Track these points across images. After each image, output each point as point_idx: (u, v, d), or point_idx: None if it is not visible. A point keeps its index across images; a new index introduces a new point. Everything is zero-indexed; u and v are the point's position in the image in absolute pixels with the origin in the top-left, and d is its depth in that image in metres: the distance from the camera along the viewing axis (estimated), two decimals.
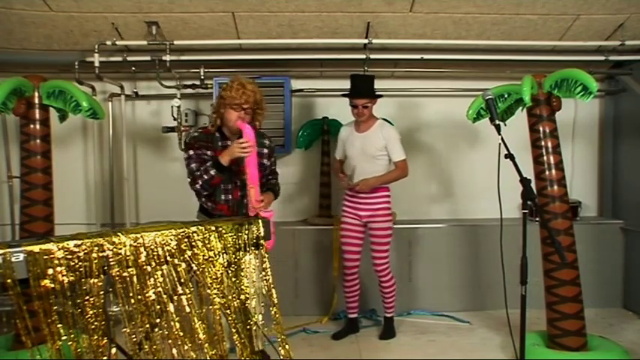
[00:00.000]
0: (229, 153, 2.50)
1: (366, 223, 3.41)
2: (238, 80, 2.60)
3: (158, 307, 2.11)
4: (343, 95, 3.37)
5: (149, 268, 2.08)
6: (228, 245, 2.39)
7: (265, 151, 2.77)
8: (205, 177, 2.54)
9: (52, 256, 1.84)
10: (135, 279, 2.03)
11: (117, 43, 3.66)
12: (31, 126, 2.97)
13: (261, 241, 2.59)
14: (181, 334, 2.15)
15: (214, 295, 2.30)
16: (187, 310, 2.19)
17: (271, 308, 2.52)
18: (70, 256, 1.87)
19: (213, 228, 2.32)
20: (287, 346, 2.56)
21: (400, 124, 3.63)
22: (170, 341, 2.14)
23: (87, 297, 1.92)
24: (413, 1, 3.41)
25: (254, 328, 2.49)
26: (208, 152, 2.60)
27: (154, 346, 2.11)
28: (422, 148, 4.31)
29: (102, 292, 1.96)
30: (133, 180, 4.29)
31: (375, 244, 3.41)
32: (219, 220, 2.53)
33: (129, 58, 3.82)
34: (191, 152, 2.61)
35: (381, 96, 3.38)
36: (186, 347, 2.15)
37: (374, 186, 3.31)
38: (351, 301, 3.53)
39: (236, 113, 2.57)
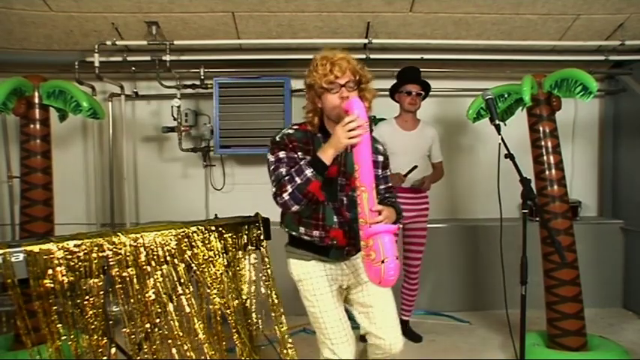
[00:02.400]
0: (333, 143, 1.75)
1: (404, 225, 3.38)
2: (322, 54, 1.91)
3: (158, 307, 2.11)
4: (391, 91, 3.31)
5: (149, 268, 2.08)
6: (228, 245, 2.39)
7: (380, 158, 2.03)
8: (297, 180, 1.77)
9: (52, 256, 1.84)
10: (135, 279, 2.04)
11: (117, 43, 3.66)
12: (31, 126, 2.97)
13: (262, 241, 2.59)
14: (181, 334, 2.15)
15: (214, 295, 2.31)
16: (187, 310, 2.19)
17: (271, 308, 2.52)
18: (70, 256, 1.88)
19: (213, 228, 2.32)
20: (287, 346, 2.56)
21: None
22: (170, 341, 2.14)
23: (87, 297, 1.92)
24: (413, 1, 3.41)
25: (253, 327, 2.49)
26: (307, 157, 1.86)
27: (154, 346, 2.11)
28: None
29: (102, 292, 1.96)
30: (133, 180, 4.28)
31: (415, 244, 3.39)
32: (219, 220, 2.53)
33: (129, 58, 3.83)
34: (281, 154, 1.88)
35: (429, 88, 3.34)
36: (186, 347, 2.16)
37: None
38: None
39: (335, 96, 1.84)
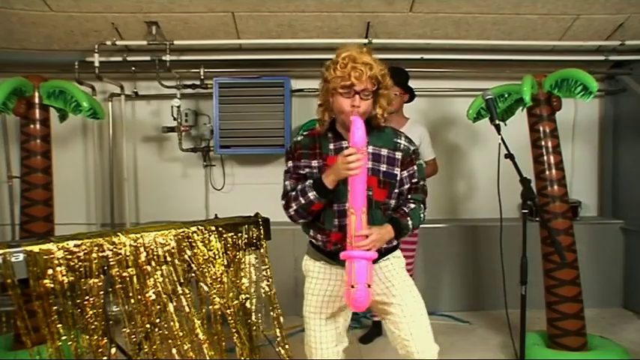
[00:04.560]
0: (334, 171, 1.74)
1: None
2: (347, 52, 1.79)
3: (158, 307, 2.11)
4: None
5: (149, 268, 2.08)
6: (228, 245, 2.39)
7: (398, 155, 1.88)
8: (302, 200, 1.81)
9: (52, 256, 1.84)
10: (135, 279, 2.04)
11: (117, 43, 3.66)
12: (32, 126, 2.97)
13: (262, 241, 2.59)
14: (181, 334, 2.15)
15: (214, 295, 2.30)
16: (187, 310, 2.19)
17: (271, 308, 2.52)
18: (70, 256, 1.88)
19: (213, 228, 2.32)
20: (287, 346, 2.56)
21: None
22: (170, 341, 2.14)
23: (87, 297, 1.92)
24: (413, 1, 3.41)
25: (253, 327, 2.49)
26: (314, 162, 1.87)
27: (154, 346, 2.11)
28: None
29: (102, 292, 1.96)
30: (133, 180, 4.28)
31: (404, 250, 3.38)
32: (220, 220, 2.53)
33: (129, 58, 3.83)
34: (289, 164, 1.92)
35: (412, 92, 3.31)
36: (186, 347, 2.15)
37: None
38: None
39: (347, 101, 1.76)
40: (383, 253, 1.90)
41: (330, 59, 1.85)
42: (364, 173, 1.71)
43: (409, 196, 1.92)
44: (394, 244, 1.97)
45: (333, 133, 1.89)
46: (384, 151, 1.85)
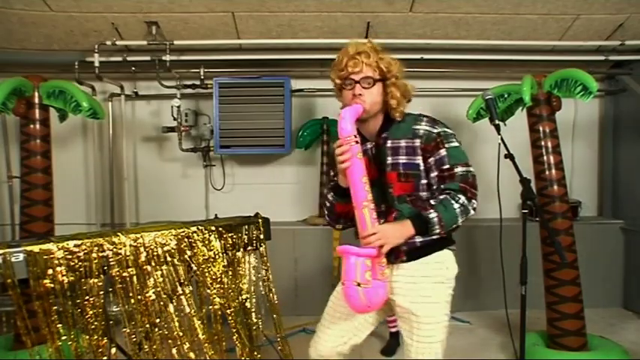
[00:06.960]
0: (340, 168, 1.68)
1: None
2: (344, 48, 1.75)
3: (158, 307, 2.11)
4: None
5: (149, 268, 2.08)
6: (228, 245, 2.39)
7: (417, 143, 1.73)
8: (327, 204, 1.82)
9: (52, 256, 1.84)
10: (135, 279, 2.04)
11: (117, 43, 3.66)
12: (31, 126, 2.97)
13: (261, 241, 2.59)
14: (181, 334, 2.15)
15: (214, 295, 2.31)
16: (187, 310, 2.19)
17: (270, 308, 2.52)
18: (70, 256, 1.88)
19: (213, 228, 2.32)
20: (287, 346, 2.57)
21: None
22: (170, 341, 2.14)
23: (87, 297, 1.92)
24: (413, 1, 3.41)
25: (253, 327, 2.49)
26: None
27: (154, 346, 2.11)
28: None
29: (102, 292, 1.96)
30: (133, 180, 4.28)
31: None
32: (219, 220, 2.53)
33: (129, 58, 3.83)
34: (332, 173, 1.89)
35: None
36: (186, 347, 2.16)
37: None
38: (392, 315, 3.46)
39: (349, 92, 1.71)
40: (409, 252, 1.75)
41: (332, 59, 1.83)
42: (357, 165, 1.62)
43: (442, 186, 1.72)
44: (416, 241, 1.75)
45: (361, 136, 1.74)
46: (403, 142, 1.73)
